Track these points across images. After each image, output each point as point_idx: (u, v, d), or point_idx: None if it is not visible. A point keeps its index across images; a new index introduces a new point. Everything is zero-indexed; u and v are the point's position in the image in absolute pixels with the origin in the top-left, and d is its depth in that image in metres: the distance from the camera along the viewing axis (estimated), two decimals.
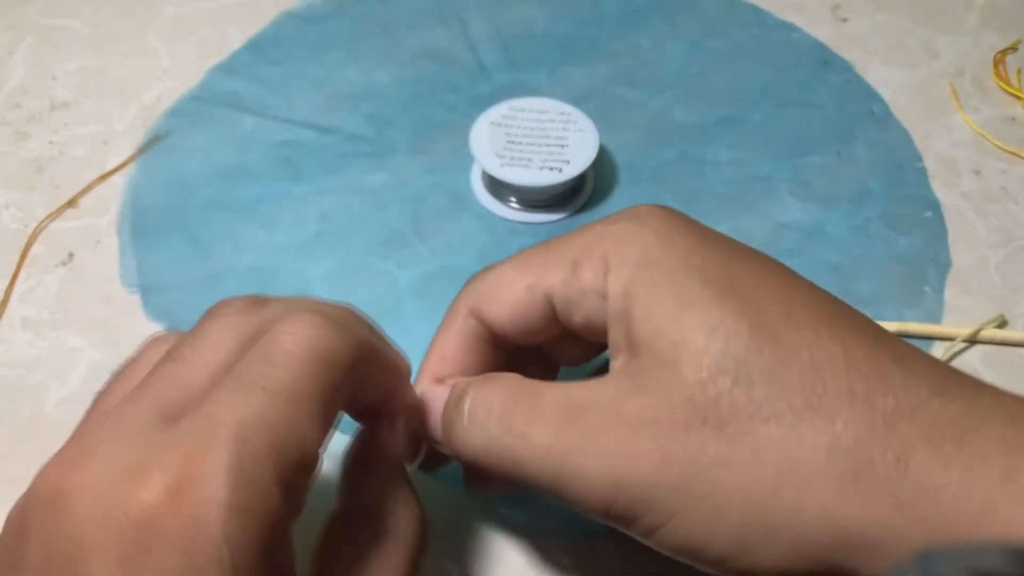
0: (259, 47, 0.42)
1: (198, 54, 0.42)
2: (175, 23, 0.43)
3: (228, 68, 0.41)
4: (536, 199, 0.36)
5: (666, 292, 0.21)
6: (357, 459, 0.23)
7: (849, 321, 0.21)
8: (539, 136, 0.35)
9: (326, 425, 0.20)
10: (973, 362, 0.32)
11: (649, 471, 0.20)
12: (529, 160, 0.34)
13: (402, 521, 0.22)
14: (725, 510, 0.19)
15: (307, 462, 0.19)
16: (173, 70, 0.41)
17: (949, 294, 0.34)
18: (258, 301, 0.22)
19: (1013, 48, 0.42)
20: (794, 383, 0.19)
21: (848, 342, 0.20)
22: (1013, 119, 0.40)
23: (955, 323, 0.33)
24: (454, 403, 0.23)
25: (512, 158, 0.35)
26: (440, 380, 0.24)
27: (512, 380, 0.23)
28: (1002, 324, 0.33)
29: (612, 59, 0.42)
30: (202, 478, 0.17)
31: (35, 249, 0.35)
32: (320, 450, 0.19)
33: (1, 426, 0.30)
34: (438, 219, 0.36)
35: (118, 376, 0.22)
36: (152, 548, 0.17)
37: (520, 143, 0.35)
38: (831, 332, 0.20)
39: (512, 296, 0.24)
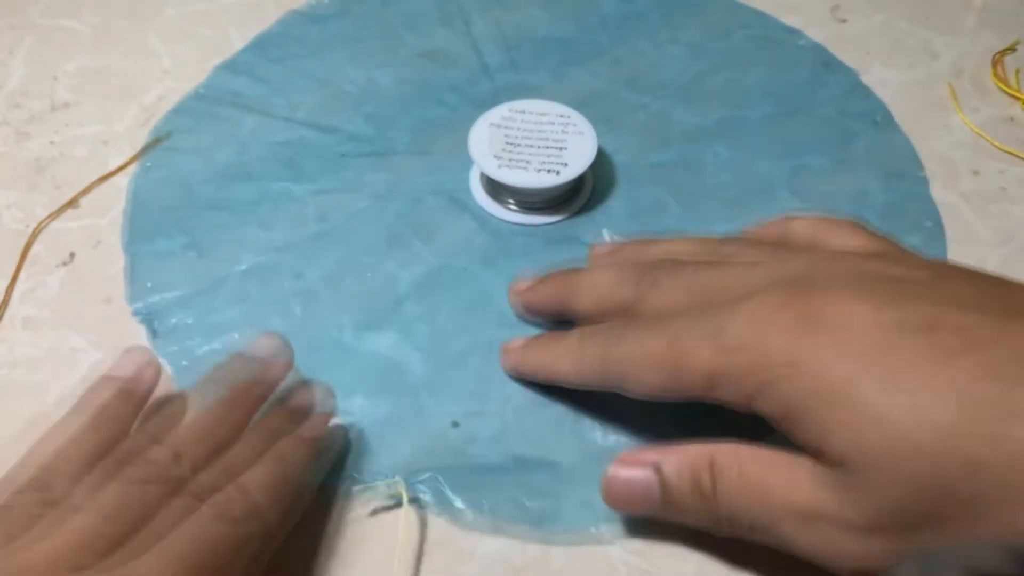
0: (261, 46, 0.42)
1: (199, 54, 0.42)
2: (176, 23, 0.44)
3: (230, 67, 0.41)
4: (534, 201, 0.36)
5: (839, 389, 0.21)
6: None
7: None
8: (538, 138, 0.35)
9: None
10: None
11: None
12: (527, 162, 0.34)
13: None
14: None
15: None
16: (174, 70, 0.41)
17: None
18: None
19: (1012, 49, 0.42)
20: None
21: None
22: (1012, 119, 0.40)
23: None
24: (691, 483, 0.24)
25: (510, 160, 0.35)
26: None
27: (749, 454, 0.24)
28: None
29: (613, 61, 0.42)
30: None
31: (36, 249, 0.35)
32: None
33: (1, 426, 0.30)
34: (438, 219, 0.36)
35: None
36: None
37: (519, 145, 0.35)
38: None
39: (654, 379, 0.25)
